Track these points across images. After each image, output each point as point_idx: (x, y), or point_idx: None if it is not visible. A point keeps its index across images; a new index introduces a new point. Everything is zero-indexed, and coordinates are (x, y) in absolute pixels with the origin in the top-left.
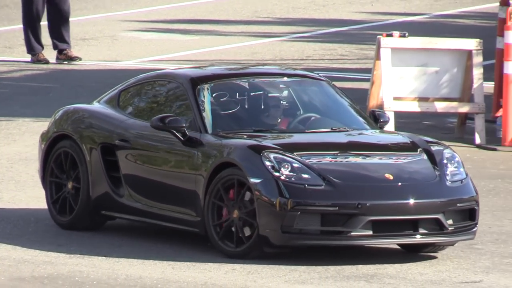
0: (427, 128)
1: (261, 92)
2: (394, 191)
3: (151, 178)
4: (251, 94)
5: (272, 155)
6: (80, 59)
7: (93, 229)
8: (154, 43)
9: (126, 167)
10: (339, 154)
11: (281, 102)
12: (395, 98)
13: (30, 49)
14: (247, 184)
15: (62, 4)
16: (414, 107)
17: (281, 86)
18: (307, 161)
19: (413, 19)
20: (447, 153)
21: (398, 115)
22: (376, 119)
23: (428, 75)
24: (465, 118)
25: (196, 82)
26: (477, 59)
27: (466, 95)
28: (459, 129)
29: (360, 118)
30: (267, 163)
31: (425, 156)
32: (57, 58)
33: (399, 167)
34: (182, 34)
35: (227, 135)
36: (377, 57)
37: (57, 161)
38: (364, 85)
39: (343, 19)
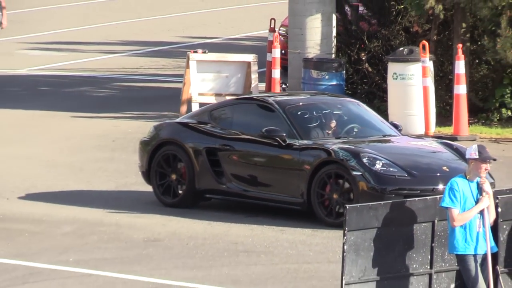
0: None
1: (328, 110)
2: (450, 178)
3: (253, 172)
4: (323, 112)
5: (367, 155)
6: None
7: (191, 207)
8: (38, 58)
9: (229, 164)
10: (408, 154)
11: (341, 116)
12: (200, 94)
13: None
14: (345, 176)
15: None
16: (212, 99)
17: (338, 106)
18: (392, 159)
19: (211, 41)
20: (465, 148)
21: (202, 104)
22: (395, 126)
23: (221, 78)
24: None
25: (284, 104)
26: (254, 67)
27: (246, 92)
28: None
29: (387, 127)
30: (365, 160)
31: (455, 154)
32: None
33: (448, 162)
34: (56, 51)
35: (316, 141)
36: (187, 66)
37: (163, 159)
38: (178, 85)
39: (164, 41)
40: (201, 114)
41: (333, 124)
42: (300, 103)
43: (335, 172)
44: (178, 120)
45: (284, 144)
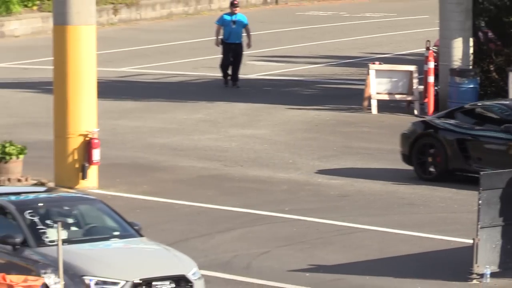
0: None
1: None
2: None
3: (500, 157)
4: None
5: None
6: None
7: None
8: (263, 67)
9: (476, 150)
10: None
11: None
12: (377, 93)
13: None
14: None
15: None
16: (385, 97)
17: None
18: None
19: (384, 56)
20: None
21: (379, 101)
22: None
23: (392, 82)
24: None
25: None
26: (415, 74)
27: (410, 91)
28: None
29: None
30: None
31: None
32: None
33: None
34: (275, 62)
35: None
36: (368, 73)
37: (422, 146)
38: (361, 87)
39: (351, 55)
40: (446, 115)
41: None
42: None
43: None
44: (428, 119)
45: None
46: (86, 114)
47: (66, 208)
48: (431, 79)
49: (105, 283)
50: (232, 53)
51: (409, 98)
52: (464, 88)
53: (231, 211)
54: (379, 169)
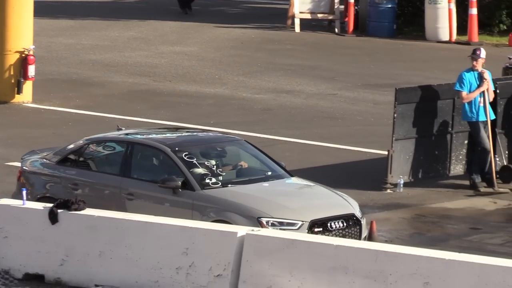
0: None
1: None
2: None
3: None
4: None
5: None
6: None
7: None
8: None
9: None
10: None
11: None
12: (300, 12)
13: None
14: None
15: None
16: (308, 16)
17: None
18: None
19: None
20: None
21: (302, 20)
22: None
23: (314, 2)
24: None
25: None
26: None
27: (332, 11)
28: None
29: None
30: None
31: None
32: None
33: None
34: None
35: None
36: None
37: None
38: (286, 7)
39: None
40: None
41: None
42: None
43: None
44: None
45: None
46: (22, 32)
47: (219, 148)
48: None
49: (281, 223)
50: None
51: (331, 17)
52: (383, 7)
53: (160, 124)
54: (300, 84)
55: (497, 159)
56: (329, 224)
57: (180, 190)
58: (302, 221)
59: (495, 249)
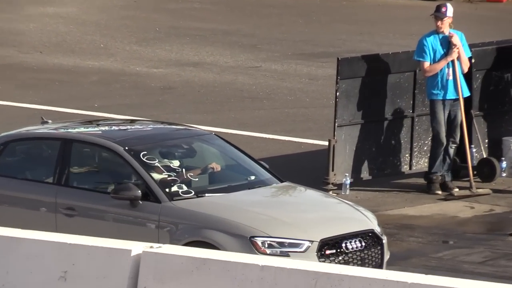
0: None
1: None
2: None
3: None
4: None
5: None
6: None
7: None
8: None
9: None
10: None
11: None
12: None
13: None
14: None
15: None
16: None
17: None
18: None
19: None
20: None
21: None
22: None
23: None
24: None
25: None
26: None
27: None
28: None
29: None
30: None
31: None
32: None
33: None
34: None
35: None
36: None
37: None
38: None
39: None
40: None
41: None
42: None
43: None
44: None
45: None
46: None
47: (185, 146)
48: None
49: (282, 244)
50: None
51: None
52: None
53: (29, 108)
54: (212, 54)
55: (474, 150)
56: (344, 245)
57: (140, 202)
58: (310, 241)
59: (472, 269)
